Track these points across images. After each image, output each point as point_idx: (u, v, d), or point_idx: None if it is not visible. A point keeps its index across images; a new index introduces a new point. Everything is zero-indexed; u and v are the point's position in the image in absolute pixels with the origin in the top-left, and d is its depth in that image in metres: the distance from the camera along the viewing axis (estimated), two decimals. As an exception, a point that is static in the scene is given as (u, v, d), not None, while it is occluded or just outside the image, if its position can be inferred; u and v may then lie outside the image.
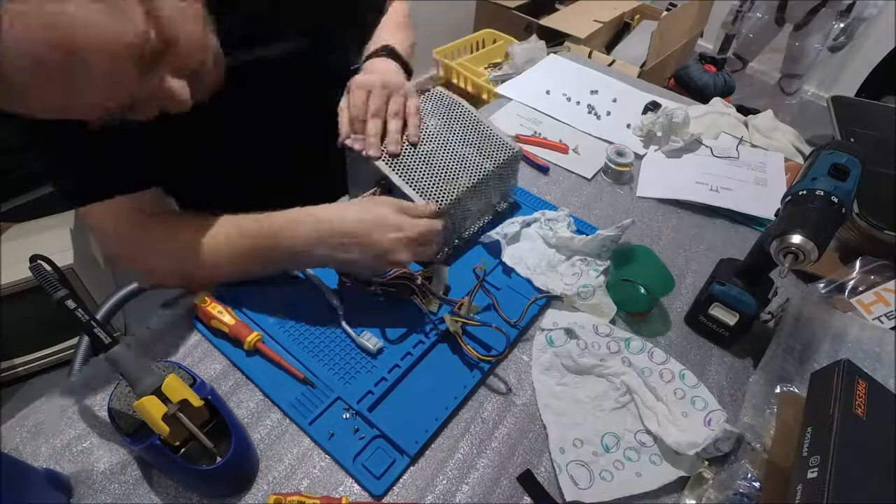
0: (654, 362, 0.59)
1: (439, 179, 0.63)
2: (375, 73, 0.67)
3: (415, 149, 0.65)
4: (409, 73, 0.73)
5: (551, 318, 0.64)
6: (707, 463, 0.52)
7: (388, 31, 0.79)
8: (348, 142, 0.63)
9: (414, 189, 0.62)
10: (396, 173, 0.62)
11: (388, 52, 0.72)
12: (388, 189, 0.63)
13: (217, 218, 0.59)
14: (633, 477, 0.51)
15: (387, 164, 0.63)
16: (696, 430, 0.52)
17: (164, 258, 0.60)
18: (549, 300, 0.66)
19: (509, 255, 0.69)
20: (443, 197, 0.62)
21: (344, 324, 0.60)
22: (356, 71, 0.71)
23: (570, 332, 0.62)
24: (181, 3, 0.45)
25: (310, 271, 0.64)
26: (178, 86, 0.46)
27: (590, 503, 0.49)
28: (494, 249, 0.71)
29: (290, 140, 0.73)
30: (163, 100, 0.46)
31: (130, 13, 0.39)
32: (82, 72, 0.38)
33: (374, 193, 0.63)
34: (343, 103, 0.66)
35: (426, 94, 0.72)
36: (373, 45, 0.75)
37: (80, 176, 0.57)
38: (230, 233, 0.58)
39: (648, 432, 0.55)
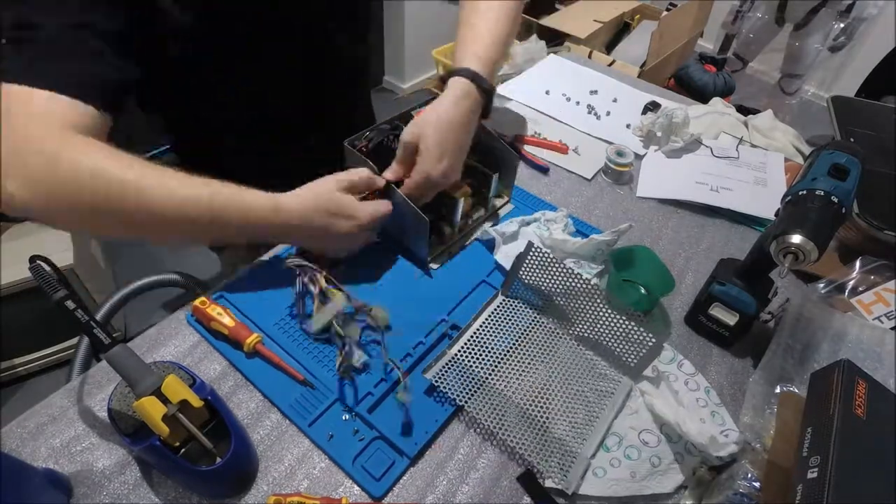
0: (682, 371, 0.60)
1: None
2: (444, 145, 0.61)
3: None
4: (489, 96, 0.66)
5: None
6: (704, 468, 0.52)
7: (485, 17, 0.68)
8: None
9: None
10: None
11: (472, 76, 0.63)
12: (385, 191, 0.64)
13: (165, 170, 0.50)
14: (627, 476, 0.51)
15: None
16: (715, 433, 0.52)
17: (72, 170, 0.46)
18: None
19: (503, 254, 0.69)
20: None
21: (342, 358, 0.56)
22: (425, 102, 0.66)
23: None
24: None
25: (306, 277, 0.64)
26: None
27: (573, 492, 0.49)
28: (491, 247, 0.71)
29: (292, 84, 0.73)
30: None
31: None
32: None
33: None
34: (397, 161, 0.63)
35: None
36: (462, 40, 0.67)
37: (46, 49, 0.47)
38: (181, 185, 0.50)
39: (654, 432, 0.54)
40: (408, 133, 0.61)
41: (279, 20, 0.66)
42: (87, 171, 0.46)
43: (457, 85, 0.63)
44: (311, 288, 0.59)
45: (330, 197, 0.58)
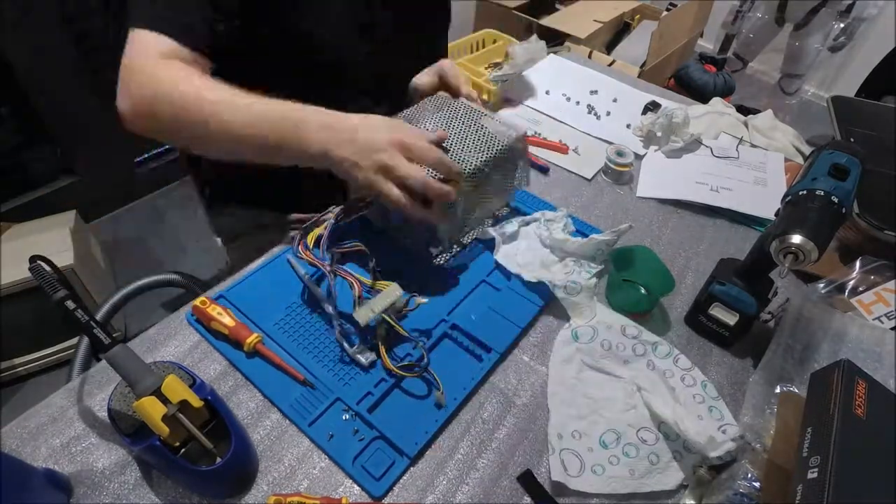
0: (678, 367, 0.60)
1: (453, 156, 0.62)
2: None
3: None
4: None
5: None
6: (704, 468, 0.52)
7: None
8: None
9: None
10: None
11: None
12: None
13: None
14: (626, 474, 0.51)
15: None
16: (713, 431, 0.52)
17: (169, 85, 0.57)
18: (548, 303, 0.66)
19: (503, 253, 0.69)
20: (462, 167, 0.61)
21: (338, 336, 0.58)
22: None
23: (595, 331, 0.62)
24: None
25: (306, 277, 0.64)
26: None
27: (574, 489, 0.50)
28: (491, 247, 0.71)
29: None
30: None
31: None
32: None
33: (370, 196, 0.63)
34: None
35: (431, 98, 0.71)
36: None
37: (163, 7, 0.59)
38: (252, 101, 0.58)
39: (652, 430, 0.54)
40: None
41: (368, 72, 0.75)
42: (174, 88, 0.57)
43: None
44: (351, 282, 0.58)
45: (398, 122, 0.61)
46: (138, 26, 0.58)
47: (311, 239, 0.61)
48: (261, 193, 0.86)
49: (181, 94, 0.57)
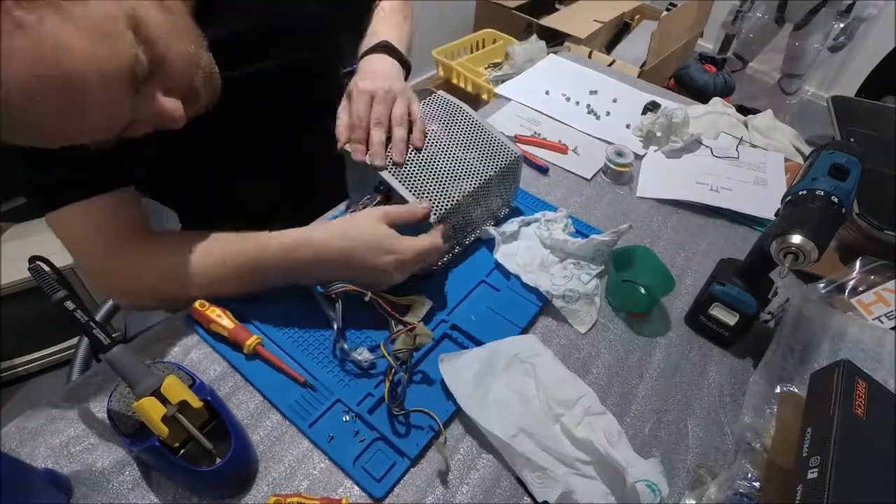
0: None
1: (440, 185, 0.63)
2: (376, 75, 0.65)
3: (417, 154, 0.64)
4: (407, 69, 0.71)
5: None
6: (704, 468, 0.52)
7: (385, 23, 0.76)
8: (352, 153, 0.62)
9: (415, 196, 0.61)
10: (398, 180, 0.62)
11: (385, 48, 0.69)
12: (388, 195, 0.63)
13: (206, 236, 0.58)
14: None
15: (390, 172, 0.62)
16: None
17: (148, 276, 0.57)
18: (548, 303, 0.65)
19: (503, 253, 0.69)
20: (444, 202, 0.62)
21: (338, 338, 0.58)
22: (352, 73, 0.69)
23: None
24: (168, 20, 0.44)
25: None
26: (171, 104, 0.46)
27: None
28: (491, 247, 0.71)
29: (289, 148, 0.73)
30: (158, 118, 0.46)
31: (119, 37, 0.39)
32: (78, 100, 0.38)
33: (370, 199, 0.63)
34: (342, 109, 0.64)
35: (428, 98, 0.71)
36: (369, 39, 0.72)
37: (52, 173, 0.54)
38: (225, 252, 0.57)
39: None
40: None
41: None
42: (160, 271, 0.57)
43: (371, 56, 0.68)
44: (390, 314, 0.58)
45: (372, 228, 0.57)
46: (55, 207, 0.55)
47: None
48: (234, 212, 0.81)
49: (156, 286, 0.57)
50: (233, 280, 0.57)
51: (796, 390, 0.56)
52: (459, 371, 0.55)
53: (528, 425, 0.52)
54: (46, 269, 0.49)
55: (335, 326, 0.57)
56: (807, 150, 0.98)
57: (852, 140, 0.88)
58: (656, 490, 0.48)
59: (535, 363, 0.57)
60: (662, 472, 0.50)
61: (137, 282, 0.57)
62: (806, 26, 2.37)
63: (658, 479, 0.49)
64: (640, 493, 0.47)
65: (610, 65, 1.93)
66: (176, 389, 0.45)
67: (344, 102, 0.65)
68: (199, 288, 0.57)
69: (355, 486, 0.49)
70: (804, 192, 0.53)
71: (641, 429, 0.56)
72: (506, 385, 0.55)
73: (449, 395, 0.55)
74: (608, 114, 1.03)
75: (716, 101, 1.07)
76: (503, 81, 1.13)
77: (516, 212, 0.77)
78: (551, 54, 1.28)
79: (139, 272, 0.56)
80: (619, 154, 0.87)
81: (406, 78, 0.70)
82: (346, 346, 0.57)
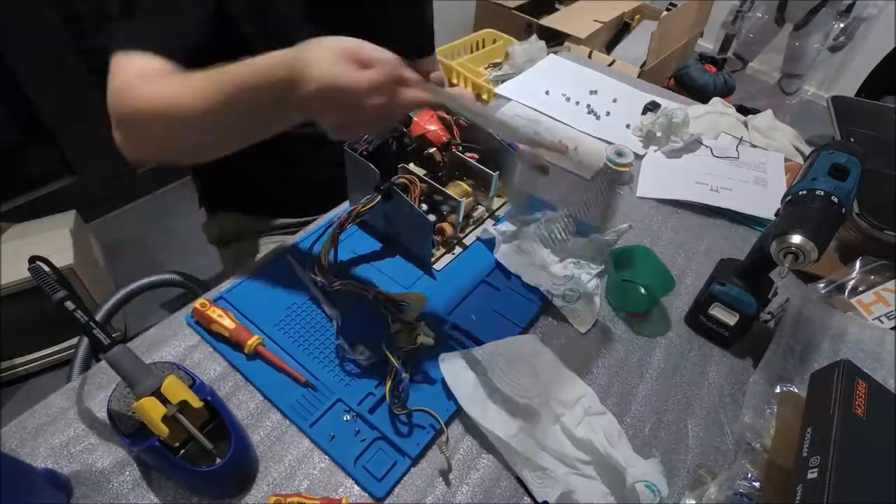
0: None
1: None
2: None
3: None
4: None
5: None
6: (704, 468, 0.52)
7: None
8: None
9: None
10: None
11: None
12: (388, 195, 0.63)
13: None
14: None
15: None
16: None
17: (149, 95, 0.53)
18: (548, 303, 0.66)
19: (502, 253, 0.69)
20: None
21: (338, 336, 0.58)
22: None
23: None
24: None
25: (306, 278, 0.64)
26: None
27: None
28: (491, 246, 0.71)
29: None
30: None
31: None
32: None
33: (371, 198, 0.63)
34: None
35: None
36: None
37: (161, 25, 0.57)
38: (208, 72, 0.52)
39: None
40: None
41: None
42: (143, 100, 0.53)
43: None
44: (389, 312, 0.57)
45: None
46: (122, 49, 0.55)
47: (323, 257, 0.60)
48: (259, 198, 0.87)
49: (147, 103, 0.53)
50: (202, 107, 0.51)
51: (796, 390, 0.56)
52: (460, 371, 0.55)
53: (528, 425, 0.52)
54: (46, 269, 0.49)
55: (335, 325, 0.57)
56: (807, 150, 0.98)
57: (852, 140, 0.88)
58: (655, 490, 0.48)
59: (536, 363, 0.57)
60: (662, 473, 0.50)
61: (131, 105, 0.54)
62: (806, 26, 2.37)
63: (658, 479, 0.49)
64: (640, 494, 0.47)
65: (610, 65, 1.93)
66: (176, 389, 0.45)
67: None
68: (172, 113, 0.52)
69: (355, 486, 0.49)
70: (804, 192, 0.53)
71: (641, 429, 0.56)
72: (506, 385, 0.55)
73: (450, 395, 0.55)
74: (608, 114, 1.03)
75: (716, 101, 1.07)
76: (503, 81, 1.13)
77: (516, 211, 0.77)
78: (551, 54, 1.28)
79: (136, 95, 0.54)
80: (619, 154, 0.86)
81: None
82: (346, 346, 0.57)
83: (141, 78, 0.55)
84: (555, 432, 0.53)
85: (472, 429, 0.54)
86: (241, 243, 0.90)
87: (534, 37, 2.01)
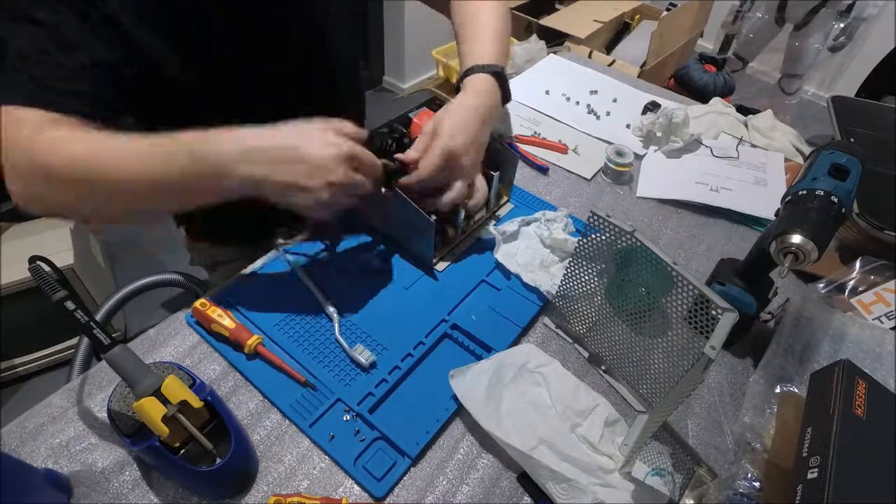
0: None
1: None
2: (468, 128, 0.61)
3: None
4: (506, 98, 0.69)
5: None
6: (704, 468, 0.52)
7: (488, 35, 0.70)
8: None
9: None
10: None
11: (495, 73, 0.66)
12: (388, 182, 0.63)
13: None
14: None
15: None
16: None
17: (56, 161, 0.48)
18: (548, 303, 0.66)
19: (503, 253, 0.69)
20: None
21: (338, 336, 0.59)
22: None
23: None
24: None
25: (305, 278, 0.64)
26: None
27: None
28: (491, 246, 0.71)
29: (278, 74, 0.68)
30: None
31: None
32: None
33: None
34: (421, 141, 0.60)
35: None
36: (473, 50, 0.68)
37: (56, 72, 0.49)
38: (138, 140, 0.49)
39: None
40: (428, 124, 0.61)
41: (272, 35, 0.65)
42: (54, 155, 0.48)
43: (473, 81, 0.65)
44: None
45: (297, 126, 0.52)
46: (9, 104, 0.48)
47: None
48: (237, 227, 0.79)
49: (64, 160, 0.48)
50: (151, 167, 0.49)
51: (796, 390, 0.56)
52: (470, 385, 0.55)
53: (546, 436, 0.51)
54: (46, 269, 0.49)
55: (335, 325, 0.57)
56: (807, 150, 0.98)
57: (852, 140, 0.88)
58: (665, 474, 0.48)
59: (544, 373, 0.57)
60: (660, 452, 0.50)
61: (33, 158, 0.48)
62: (806, 26, 2.37)
63: (664, 462, 0.49)
64: (655, 484, 0.47)
65: (610, 65, 1.93)
66: (176, 389, 0.45)
67: (420, 141, 0.61)
68: (113, 177, 0.49)
69: (355, 486, 0.49)
70: (804, 191, 0.53)
71: (641, 429, 0.56)
72: (517, 396, 0.55)
73: (450, 394, 0.55)
74: (608, 114, 1.03)
75: (716, 101, 1.07)
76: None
77: (516, 211, 0.77)
78: (551, 54, 1.28)
79: (43, 148, 0.48)
80: (619, 154, 0.87)
81: (505, 94, 0.68)
82: (346, 346, 0.57)
83: (48, 133, 0.48)
84: (573, 442, 0.52)
85: (472, 429, 0.54)
86: (228, 265, 0.86)
87: (534, 37, 2.01)
